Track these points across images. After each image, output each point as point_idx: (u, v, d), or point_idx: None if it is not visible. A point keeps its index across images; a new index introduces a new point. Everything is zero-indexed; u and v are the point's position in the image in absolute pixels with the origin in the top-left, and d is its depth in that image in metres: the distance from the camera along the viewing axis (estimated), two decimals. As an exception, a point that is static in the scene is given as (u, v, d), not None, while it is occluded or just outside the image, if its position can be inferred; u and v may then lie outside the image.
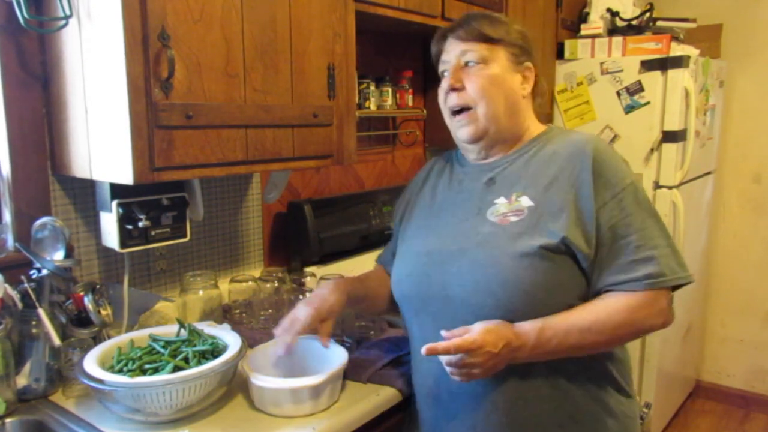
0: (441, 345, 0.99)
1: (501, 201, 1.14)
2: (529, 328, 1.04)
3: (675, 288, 1.09)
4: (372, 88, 2.01)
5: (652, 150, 2.52)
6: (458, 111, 1.18)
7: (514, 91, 1.17)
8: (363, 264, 2.04)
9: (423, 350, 0.99)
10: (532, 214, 1.09)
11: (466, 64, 1.16)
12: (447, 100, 1.19)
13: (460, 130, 1.19)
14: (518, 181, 1.15)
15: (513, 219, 1.10)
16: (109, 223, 1.33)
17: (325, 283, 1.30)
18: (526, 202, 1.11)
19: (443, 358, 1.02)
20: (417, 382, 1.25)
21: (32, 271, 1.24)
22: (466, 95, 1.16)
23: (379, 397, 1.24)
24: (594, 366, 1.14)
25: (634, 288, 1.05)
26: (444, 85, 1.19)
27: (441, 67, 1.23)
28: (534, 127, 1.23)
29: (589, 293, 1.10)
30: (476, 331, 1.01)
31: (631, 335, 1.10)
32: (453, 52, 1.18)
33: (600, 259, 1.07)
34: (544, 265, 1.06)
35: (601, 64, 2.58)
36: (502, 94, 1.16)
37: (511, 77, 1.17)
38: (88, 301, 1.26)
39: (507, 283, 1.06)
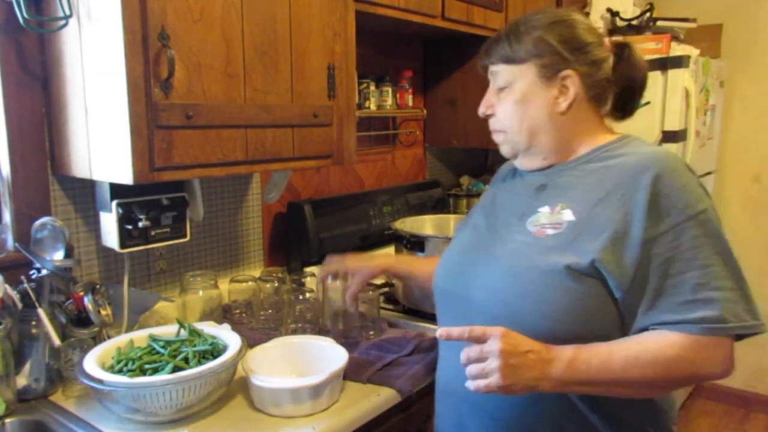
0: (456, 329, 0.94)
1: (544, 210, 1.08)
2: (563, 346, 0.95)
3: (740, 337, 0.96)
4: (372, 88, 2.01)
5: (652, 150, 2.52)
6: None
7: (543, 110, 1.09)
8: (363, 264, 2.04)
9: (438, 332, 0.95)
10: (571, 230, 1.01)
11: (500, 88, 1.13)
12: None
13: (499, 147, 1.19)
14: (568, 192, 1.07)
15: (550, 232, 1.04)
16: (109, 223, 1.33)
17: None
18: (567, 215, 1.03)
19: (463, 356, 0.95)
20: (437, 375, 1.22)
21: (32, 271, 1.24)
22: (496, 121, 1.15)
23: (379, 397, 1.24)
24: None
25: (687, 330, 0.94)
26: (479, 109, 1.18)
27: None
28: (596, 137, 1.12)
29: (628, 331, 0.99)
30: (497, 327, 0.94)
31: (684, 378, 0.98)
32: (490, 75, 1.16)
33: (648, 294, 0.96)
34: (569, 287, 0.98)
35: (602, 64, 2.57)
36: (526, 117, 1.10)
37: (540, 94, 1.09)
38: (88, 301, 1.26)
39: (525, 297, 1.01)
